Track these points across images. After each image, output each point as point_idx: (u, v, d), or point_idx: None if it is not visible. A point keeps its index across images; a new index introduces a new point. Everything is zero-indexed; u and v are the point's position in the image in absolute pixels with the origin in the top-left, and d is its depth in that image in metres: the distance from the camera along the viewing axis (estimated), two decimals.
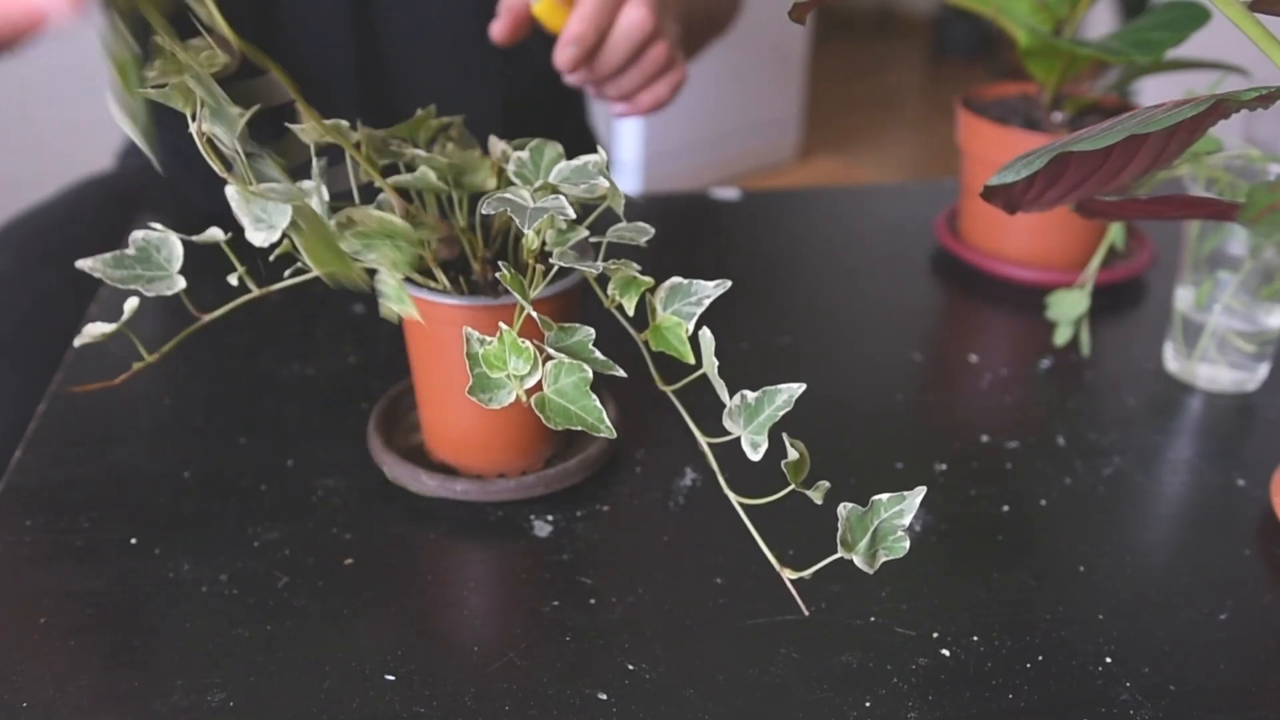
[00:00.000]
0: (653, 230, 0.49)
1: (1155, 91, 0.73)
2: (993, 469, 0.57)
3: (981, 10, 0.72)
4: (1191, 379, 0.65)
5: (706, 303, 0.46)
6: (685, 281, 0.46)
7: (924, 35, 4.37)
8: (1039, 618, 0.47)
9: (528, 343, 0.44)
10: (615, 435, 0.43)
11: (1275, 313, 0.62)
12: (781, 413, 0.43)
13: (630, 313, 0.46)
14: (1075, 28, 0.72)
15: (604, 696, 0.43)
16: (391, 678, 0.43)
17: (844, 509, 0.42)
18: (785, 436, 0.42)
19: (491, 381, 0.44)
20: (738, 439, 0.43)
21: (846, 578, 0.49)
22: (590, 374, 0.43)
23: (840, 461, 0.57)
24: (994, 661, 0.45)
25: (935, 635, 0.46)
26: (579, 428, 0.43)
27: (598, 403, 0.43)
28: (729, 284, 0.46)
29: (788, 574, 0.42)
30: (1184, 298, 0.65)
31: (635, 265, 0.46)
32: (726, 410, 0.44)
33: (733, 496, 0.43)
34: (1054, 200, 0.44)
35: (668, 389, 0.45)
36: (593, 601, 0.47)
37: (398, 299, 0.45)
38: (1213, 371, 0.64)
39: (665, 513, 0.53)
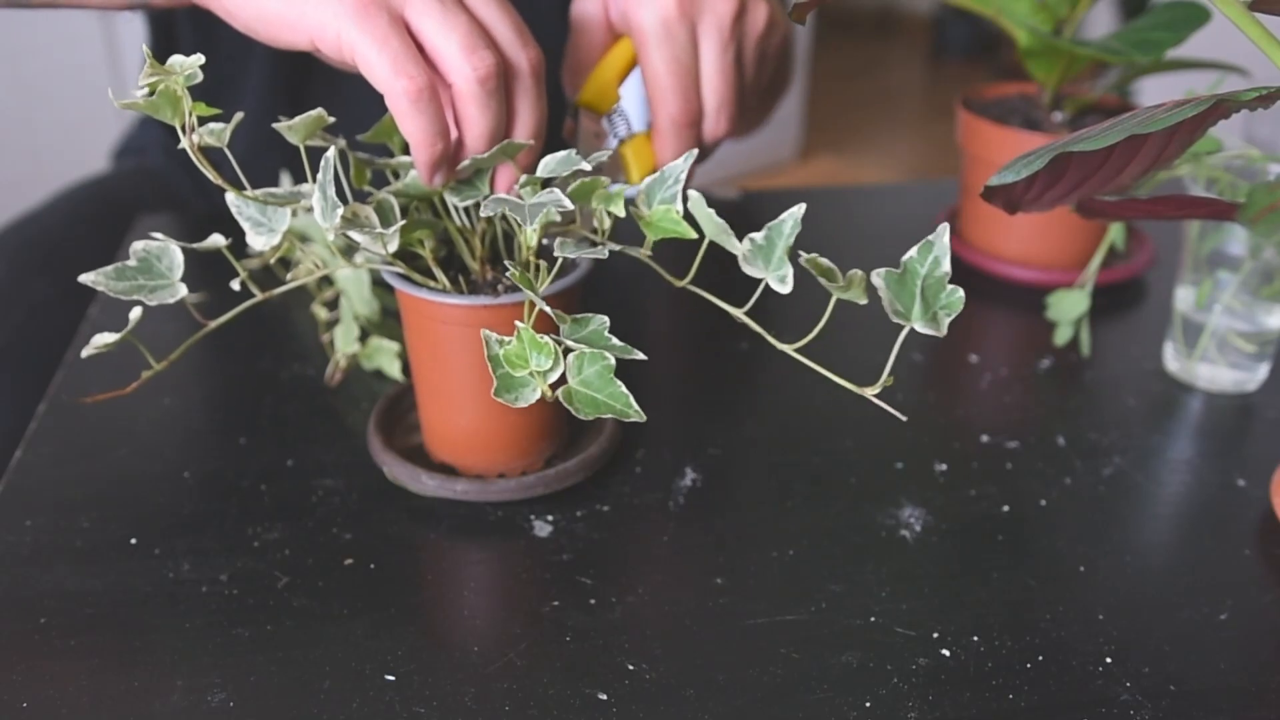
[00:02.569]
0: (605, 154, 0.50)
1: (1155, 91, 0.73)
2: (993, 469, 0.57)
3: (981, 10, 0.72)
4: (1191, 379, 0.65)
5: (683, 177, 0.46)
6: (657, 174, 0.47)
7: (924, 35, 4.37)
8: (1039, 618, 0.47)
9: (547, 338, 0.44)
10: (645, 418, 0.43)
11: (1275, 313, 0.62)
12: (794, 236, 0.44)
13: (621, 214, 0.47)
14: (1075, 28, 0.72)
15: (604, 696, 0.43)
16: (391, 678, 0.43)
17: (879, 279, 0.42)
18: (803, 255, 0.42)
19: (515, 381, 0.44)
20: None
21: (846, 578, 0.49)
22: (613, 361, 0.43)
23: (840, 461, 0.57)
24: (994, 661, 0.45)
25: (935, 635, 0.46)
26: (608, 415, 0.43)
27: (623, 388, 0.43)
28: (695, 153, 0.48)
29: (869, 391, 0.42)
30: (1184, 298, 0.65)
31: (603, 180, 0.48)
32: (742, 256, 0.45)
33: (784, 347, 0.45)
34: (1054, 200, 0.44)
35: (740, 314, 0.45)
36: (593, 601, 0.47)
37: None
38: (1213, 371, 0.64)
39: (665, 513, 0.53)
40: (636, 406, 0.43)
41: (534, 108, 0.51)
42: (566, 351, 0.44)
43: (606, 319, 0.45)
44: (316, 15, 0.47)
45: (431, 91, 0.47)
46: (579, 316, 0.45)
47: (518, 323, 0.44)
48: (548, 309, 0.45)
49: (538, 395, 0.44)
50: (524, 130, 0.51)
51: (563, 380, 0.44)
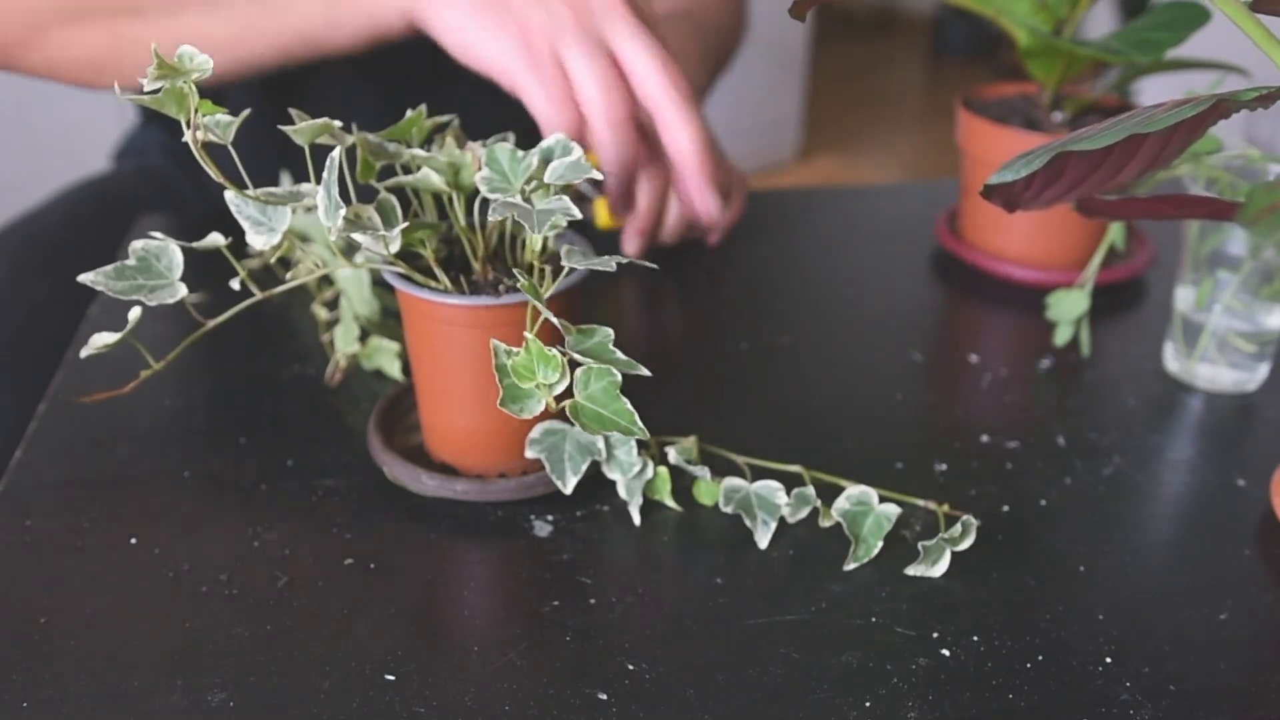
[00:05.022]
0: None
1: (1155, 91, 0.73)
2: (993, 469, 0.57)
3: (981, 10, 0.72)
4: (1191, 379, 0.65)
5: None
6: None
7: (924, 35, 4.37)
8: (1039, 618, 0.47)
9: (554, 351, 0.44)
10: (649, 437, 0.44)
11: (1275, 313, 0.62)
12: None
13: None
14: (1075, 28, 0.72)
15: (604, 696, 0.43)
16: (391, 678, 0.43)
17: None
18: None
19: (522, 392, 0.44)
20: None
21: (846, 578, 0.49)
22: (619, 377, 0.43)
23: (840, 462, 0.57)
24: (994, 661, 0.45)
25: (935, 635, 0.46)
26: (613, 431, 0.43)
27: (629, 405, 0.43)
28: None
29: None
30: (1184, 298, 0.65)
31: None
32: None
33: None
34: (1053, 199, 0.44)
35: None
36: (593, 601, 0.47)
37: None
38: (1213, 371, 0.64)
39: (665, 512, 0.53)
40: (640, 425, 0.43)
41: (682, 131, 0.61)
42: (573, 365, 0.44)
43: (611, 332, 0.45)
44: (490, 50, 0.59)
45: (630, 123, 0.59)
46: (584, 327, 0.45)
47: (527, 335, 0.44)
48: (554, 319, 0.45)
49: (542, 407, 0.44)
50: (676, 150, 0.61)
51: (568, 393, 0.44)
